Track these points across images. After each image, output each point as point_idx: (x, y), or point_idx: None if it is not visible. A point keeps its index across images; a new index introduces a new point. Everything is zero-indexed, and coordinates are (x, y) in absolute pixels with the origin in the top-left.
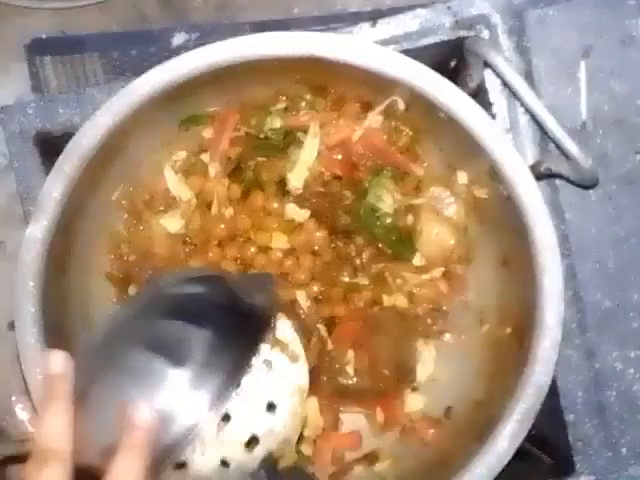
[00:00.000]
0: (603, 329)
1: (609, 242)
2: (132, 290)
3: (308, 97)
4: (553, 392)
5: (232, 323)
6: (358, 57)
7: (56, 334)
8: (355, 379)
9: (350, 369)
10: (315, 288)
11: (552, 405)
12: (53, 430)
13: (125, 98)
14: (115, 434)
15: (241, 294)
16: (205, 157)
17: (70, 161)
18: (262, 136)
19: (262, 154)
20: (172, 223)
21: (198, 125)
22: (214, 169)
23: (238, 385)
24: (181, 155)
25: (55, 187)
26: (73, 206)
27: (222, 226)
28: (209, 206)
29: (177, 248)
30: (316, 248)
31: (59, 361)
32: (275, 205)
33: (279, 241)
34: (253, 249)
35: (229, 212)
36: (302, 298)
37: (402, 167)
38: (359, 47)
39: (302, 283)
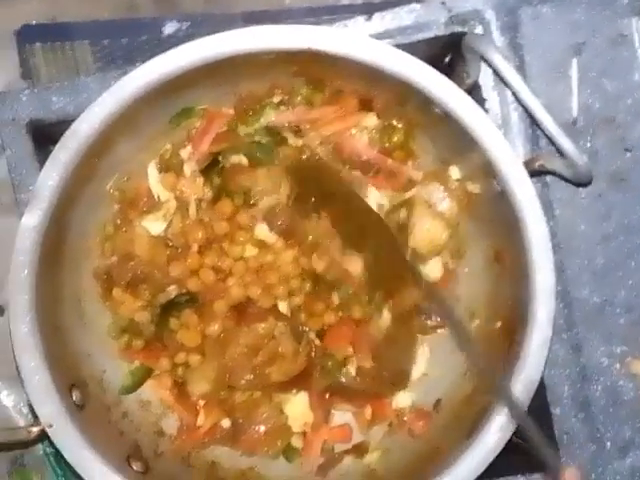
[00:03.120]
0: (590, 325)
1: (597, 239)
2: (116, 293)
3: (304, 91)
4: (540, 386)
5: None
6: (355, 51)
7: (48, 324)
8: (357, 379)
9: (352, 369)
10: (297, 300)
11: (538, 399)
12: None
13: (122, 89)
14: None
15: None
16: (184, 153)
17: (67, 150)
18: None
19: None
20: (154, 225)
21: (189, 119)
22: (190, 168)
23: None
24: (168, 149)
25: (51, 176)
26: (68, 195)
27: (201, 231)
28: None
29: (159, 251)
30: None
31: None
32: (245, 219)
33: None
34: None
35: (207, 215)
36: (284, 308)
37: (393, 171)
38: (356, 41)
39: (281, 296)
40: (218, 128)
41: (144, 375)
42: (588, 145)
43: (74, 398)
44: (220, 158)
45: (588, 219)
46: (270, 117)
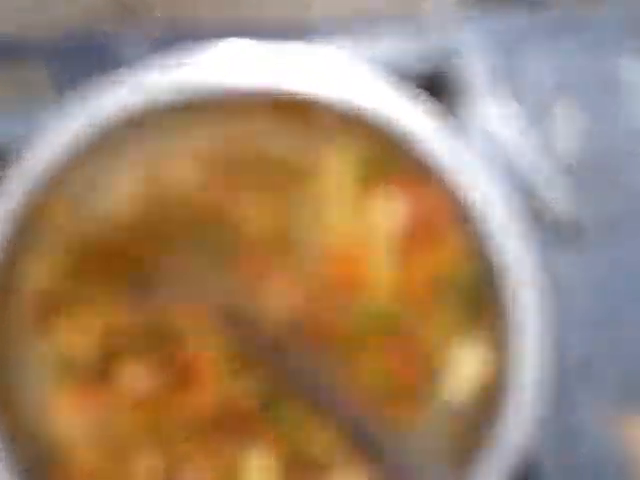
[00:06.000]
0: (576, 384)
1: (588, 291)
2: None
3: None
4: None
5: None
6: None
7: None
8: None
9: None
10: None
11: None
12: None
13: (75, 119)
14: None
15: None
16: None
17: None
18: None
19: None
20: None
21: None
22: None
23: None
24: None
25: None
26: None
27: None
28: None
29: None
30: None
31: None
32: None
33: None
34: None
35: None
36: None
37: None
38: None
39: None
40: None
41: None
42: (575, 192)
43: None
44: None
45: (576, 270)
46: None
